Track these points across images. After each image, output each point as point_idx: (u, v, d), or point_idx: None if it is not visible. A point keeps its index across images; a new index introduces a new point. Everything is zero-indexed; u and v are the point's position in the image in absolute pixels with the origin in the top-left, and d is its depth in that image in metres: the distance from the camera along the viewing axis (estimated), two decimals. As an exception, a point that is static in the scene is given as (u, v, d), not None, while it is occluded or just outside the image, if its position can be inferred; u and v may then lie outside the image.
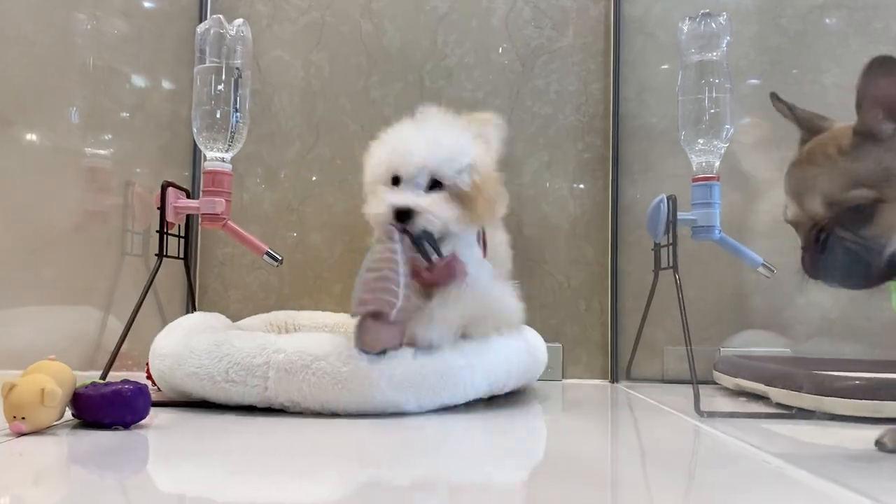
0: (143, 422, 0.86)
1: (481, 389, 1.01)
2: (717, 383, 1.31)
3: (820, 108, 1.43)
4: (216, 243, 1.45)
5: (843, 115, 1.42)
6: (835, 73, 1.46)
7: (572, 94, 1.48)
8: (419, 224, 0.96)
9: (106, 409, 0.84)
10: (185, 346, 0.97)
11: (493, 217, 1.07)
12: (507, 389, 1.07)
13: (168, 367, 0.97)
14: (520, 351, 1.11)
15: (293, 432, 0.86)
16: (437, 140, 1.01)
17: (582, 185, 1.48)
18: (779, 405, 1.09)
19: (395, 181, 1.00)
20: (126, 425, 0.85)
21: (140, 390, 0.86)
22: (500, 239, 1.21)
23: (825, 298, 1.44)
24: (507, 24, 1.49)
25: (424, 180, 0.98)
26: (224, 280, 1.46)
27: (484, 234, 1.14)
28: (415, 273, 0.99)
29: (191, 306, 1.30)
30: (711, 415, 1.01)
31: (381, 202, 0.97)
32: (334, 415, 0.93)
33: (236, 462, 0.72)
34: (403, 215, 0.96)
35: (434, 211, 0.97)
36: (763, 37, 1.47)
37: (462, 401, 0.99)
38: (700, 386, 1.08)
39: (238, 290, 1.46)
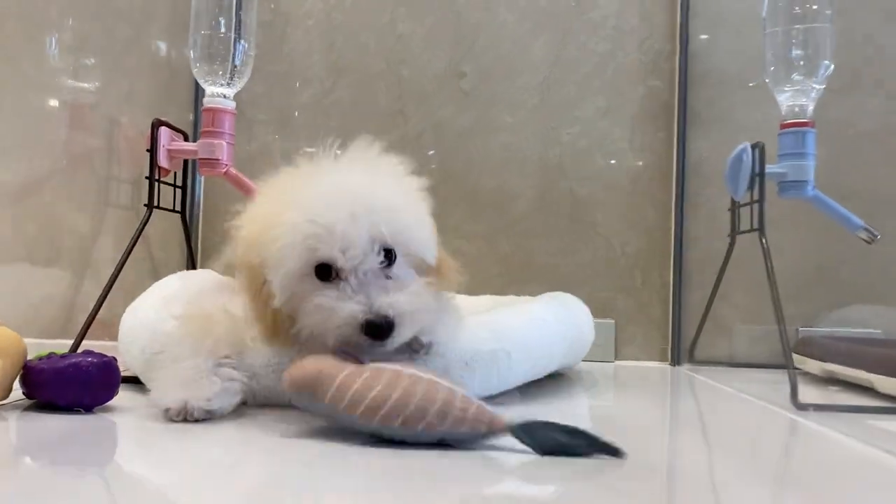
0: (110, 403, 0.70)
1: (519, 376, 0.82)
2: (798, 368, 1.11)
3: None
4: (223, 198, 1.28)
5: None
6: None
7: (634, 28, 1.28)
8: (406, 336, 0.64)
9: (61, 387, 0.67)
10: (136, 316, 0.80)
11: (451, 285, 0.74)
12: (548, 371, 0.89)
13: (124, 343, 0.81)
14: (565, 327, 0.91)
15: (281, 417, 0.68)
16: (385, 195, 0.66)
17: (643, 136, 1.27)
18: (887, 396, 0.90)
19: (325, 272, 0.65)
20: (87, 408, 0.68)
21: (106, 364, 0.69)
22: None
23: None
24: (558, -54, 1.28)
25: (376, 261, 0.65)
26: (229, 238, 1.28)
27: None
28: None
29: (190, 265, 1.13)
30: (812, 408, 0.82)
31: (330, 311, 0.63)
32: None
33: (217, 455, 0.55)
34: (379, 329, 0.62)
35: (420, 308, 0.65)
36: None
37: (496, 391, 0.80)
38: (776, 370, 0.88)
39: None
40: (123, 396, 0.72)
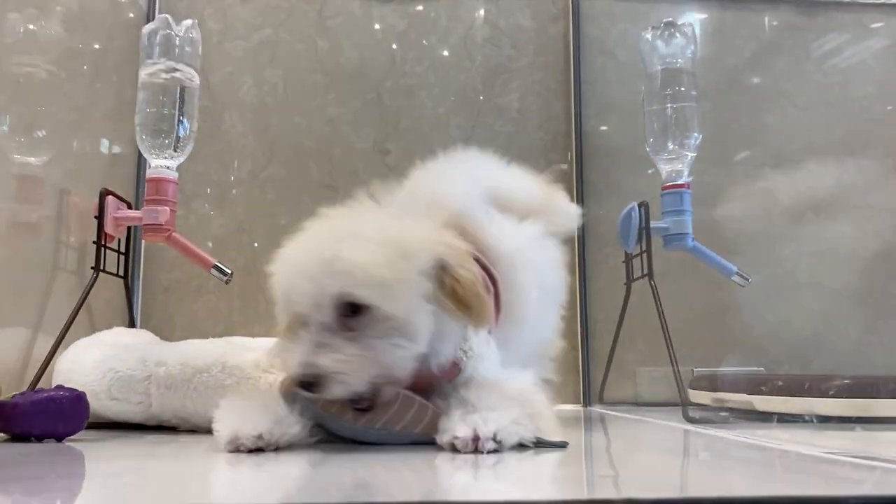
0: (77, 435, 0.76)
1: None
2: (693, 403, 1.25)
3: (782, 128, 1.45)
4: (161, 266, 1.35)
5: (803, 135, 1.43)
6: (792, 94, 1.47)
7: (534, 112, 1.46)
8: (332, 392, 0.66)
9: (37, 418, 0.73)
10: (76, 361, 0.89)
11: (483, 319, 0.71)
12: None
13: (60, 383, 0.87)
14: None
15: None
16: (352, 254, 0.66)
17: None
18: (763, 413, 1.04)
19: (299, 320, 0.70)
20: (59, 438, 0.74)
21: (78, 398, 0.76)
22: (522, 280, 0.84)
23: (796, 316, 1.41)
24: (466, 42, 1.47)
25: (330, 314, 0.67)
26: (168, 307, 1.35)
27: (495, 284, 0.80)
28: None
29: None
30: (699, 417, 0.95)
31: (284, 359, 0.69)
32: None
33: (185, 480, 0.62)
34: (305, 384, 0.65)
35: (348, 370, 0.65)
36: (721, 58, 1.48)
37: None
38: (675, 407, 1.02)
39: (184, 317, 1.35)
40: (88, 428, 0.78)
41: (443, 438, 0.64)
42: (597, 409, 1.32)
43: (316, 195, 1.38)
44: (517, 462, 0.60)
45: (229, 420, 0.66)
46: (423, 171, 0.93)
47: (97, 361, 0.86)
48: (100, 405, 0.84)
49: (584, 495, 0.43)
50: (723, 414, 1.14)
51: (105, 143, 1.30)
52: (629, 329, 1.31)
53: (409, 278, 0.67)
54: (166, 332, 1.33)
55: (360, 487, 0.50)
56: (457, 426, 0.63)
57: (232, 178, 1.40)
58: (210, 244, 1.36)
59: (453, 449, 0.63)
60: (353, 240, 0.67)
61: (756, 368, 1.39)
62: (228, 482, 0.57)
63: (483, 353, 0.75)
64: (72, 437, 0.75)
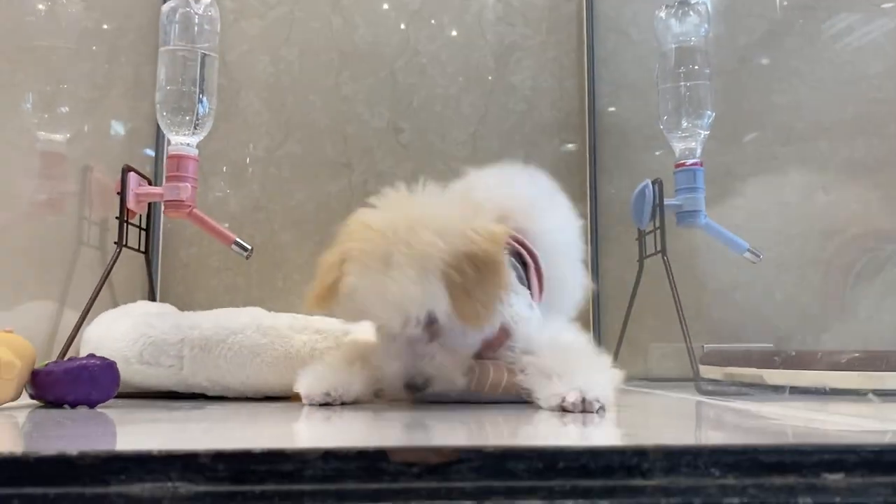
0: (109, 402, 0.78)
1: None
2: (703, 378, 1.27)
3: (792, 106, 1.46)
4: (180, 243, 1.37)
5: (814, 113, 1.45)
6: (803, 72, 1.48)
7: (547, 90, 1.47)
8: (442, 386, 0.79)
9: (70, 385, 0.76)
10: (107, 329, 0.91)
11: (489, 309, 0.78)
12: None
13: (89, 352, 0.89)
14: None
15: (274, 406, 0.78)
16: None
17: (559, 183, 1.45)
18: (775, 387, 1.06)
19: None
20: (91, 404, 0.76)
21: (108, 366, 0.78)
22: (565, 267, 0.97)
23: (805, 294, 1.43)
24: (480, 21, 1.48)
25: (418, 327, 0.77)
26: (188, 282, 1.37)
27: (538, 268, 0.91)
28: None
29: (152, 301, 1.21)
30: (711, 388, 0.98)
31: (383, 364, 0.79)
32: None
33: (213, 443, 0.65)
34: (414, 388, 0.78)
35: (447, 372, 0.78)
36: (732, 36, 1.49)
37: None
38: (686, 382, 1.04)
39: (203, 292, 1.37)
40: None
41: (550, 402, 0.72)
42: (608, 383, 1.34)
43: (331, 173, 1.40)
44: (542, 417, 0.62)
45: (304, 380, 0.77)
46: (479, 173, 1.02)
47: (128, 328, 0.88)
48: (130, 370, 0.86)
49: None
50: (734, 388, 1.17)
51: (119, 125, 1.32)
52: (640, 305, 1.33)
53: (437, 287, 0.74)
54: (185, 308, 1.34)
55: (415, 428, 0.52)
56: (566, 392, 0.71)
57: (248, 156, 1.42)
58: (227, 223, 1.38)
59: (563, 410, 0.71)
60: (429, 263, 0.73)
61: (765, 345, 1.41)
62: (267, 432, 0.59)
63: (529, 315, 0.84)
64: (103, 403, 0.78)
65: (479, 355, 0.82)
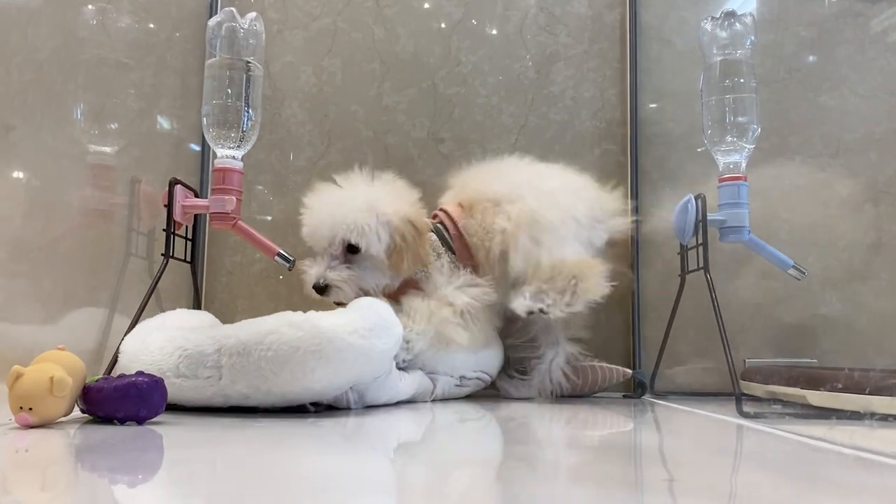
0: (156, 418, 0.80)
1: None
2: (744, 394, 1.26)
3: (841, 116, 1.43)
4: (224, 251, 1.40)
5: (863, 123, 1.41)
6: (853, 81, 1.44)
7: (588, 100, 1.46)
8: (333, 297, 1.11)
9: (119, 402, 0.78)
10: (143, 341, 0.92)
11: (417, 266, 1.15)
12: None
13: (125, 365, 0.92)
14: None
15: (322, 426, 0.79)
16: (342, 206, 1.12)
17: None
18: (818, 408, 1.05)
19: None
20: (140, 421, 0.79)
21: (156, 383, 0.80)
22: (544, 241, 1.16)
23: (850, 309, 1.40)
24: (522, 30, 1.47)
25: (338, 250, 1.12)
26: (231, 290, 1.40)
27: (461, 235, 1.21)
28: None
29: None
30: (753, 414, 0.96)
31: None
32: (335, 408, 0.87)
33: (261, 463, 0.66)
34: (321, 290, 1.12)
35: (343, 285, 1.11)
36: (779, 45, 1.46)
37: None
38: (726, 397, 1.03)
39: (245, 299, 1.40)
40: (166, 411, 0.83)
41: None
42: (647, 398, 1.33)
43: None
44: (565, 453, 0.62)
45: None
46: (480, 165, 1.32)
47: (164, 342, 0.89)
48: (168, 385, 0.88)
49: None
50: (775, 406, 1.15)
51: (166, 123, 1.34)
52: (681, 319, 1.31)
53: (382, 233, 1.11)
54: (229, 314, 1.38)
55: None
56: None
57: (291, 165, 1.44)
58: (269, 232, 1.40)
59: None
60: (352, 203, 1.12)
61: (808, 360, 1.39)
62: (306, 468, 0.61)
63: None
64: (151, 420, 0.80)
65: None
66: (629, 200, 1.43)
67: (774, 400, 1.19)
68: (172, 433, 0.76)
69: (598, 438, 0.80)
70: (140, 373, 0.81)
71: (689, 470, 0.59)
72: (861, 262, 1.41)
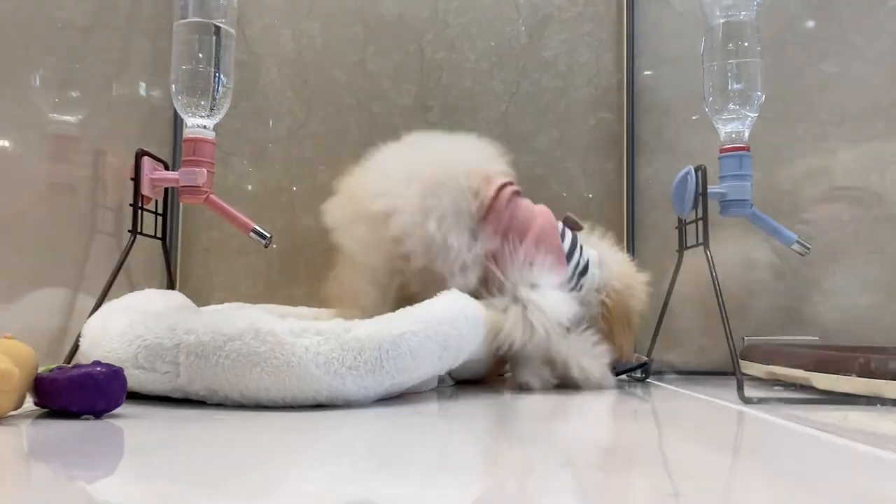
0: (116, 410, 0.74)
1: (432, 360, 0.86)
2: (744, 373, 1.21)
3: (847, 84, 1.36)
4: (199, 226, 1.33)
5: (871, 91, 1.35)
6: (860, 46, 1.37)
7: (583, 65, 1.39)
8: None
9: (74, 394, 0.72)
10: (104, 325, 0.86)
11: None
12: (462, 357, 0.92)
13: (85, 350, 0.86)
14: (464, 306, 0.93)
15: (286, 425, 0.74)
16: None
17: (595, 164, 1.38)
18: (824, 392, 1.00)
19: None
20: (97, 414, 0.73)
21: (115, 373, 0.74)
22: None
23: (854, 284, 1.34)
24: (513, -9, 1.39)
25: None
26: (208, 266, 1.34)
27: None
28: None
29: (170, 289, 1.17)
30: (756, 400, 0.91)
31: None
32: (288, 407, 0.79)
33: (224, 459, 0.60)
34: None
35: None
36: (783, 5, 1.38)
37: (417, 380, 0.86)
38: (725, 376, 0.98)
39: (223, 276, 1.33)
40: (126, 403, 0.77)
41: None
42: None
43: (355, 153, 1.33)
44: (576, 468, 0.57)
45: None
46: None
47: (124, 328, 0.83)
48: (126, 375, 0.82)
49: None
50: (777, 388, 1.10)
51: (142, 85, 1.26)
52: (678, 295, 1.26)
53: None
54: (205, 292, 1.32)
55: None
56: None
57: (269, 135, 1.36)
58: (247, 205, 1.33)
59: None
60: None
61: (810, 338, 1.34)
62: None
63: None
64: (110, 412, 0.74)
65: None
66: (625, 172, 1.36)
67: (776, 381, 1.14)
68: (133, 427, 0.70)
69: (591, 438, 0.75)
70: (97, 362, 0.75)
71: (693, 477, 0.54)
72: (866, 235, 1.36)
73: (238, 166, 1.35)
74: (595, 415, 0.87)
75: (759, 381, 1.17)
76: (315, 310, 1.22)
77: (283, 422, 0.74)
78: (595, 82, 1.38)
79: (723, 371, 1.27)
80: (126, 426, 0.71)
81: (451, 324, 0.87)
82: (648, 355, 1.30)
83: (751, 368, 1.20)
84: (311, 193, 1.34)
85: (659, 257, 1.33)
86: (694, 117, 1.34)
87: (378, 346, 0.80)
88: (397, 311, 0.87)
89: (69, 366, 0.76)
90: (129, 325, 0.84)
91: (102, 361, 0.78)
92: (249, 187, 1.35)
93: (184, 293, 1.29)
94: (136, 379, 0.81)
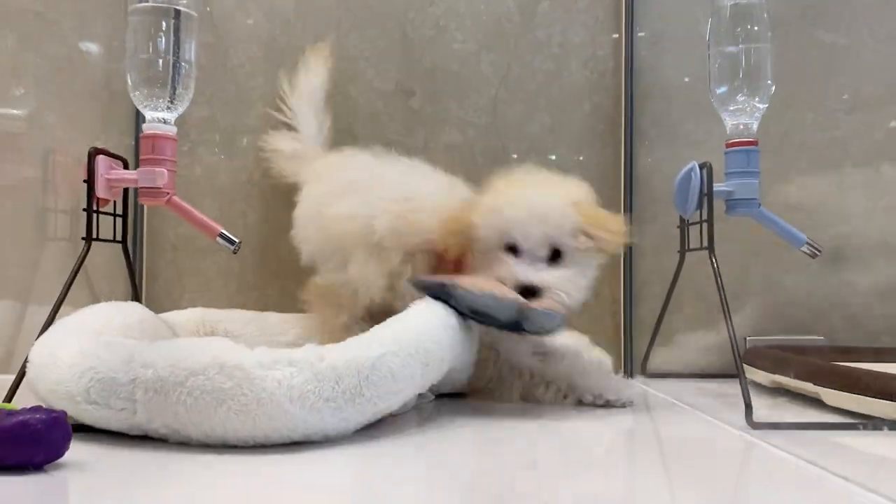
0: (60, 459, 0.67)
1: (415, 379, 0.78)
2: (748, 379, 1.14)
3: (859, 69, 1.27)
4: (167, 222, 1.24)
5: (884, 77, 1.26)
6: (874, 28, 1.28)
7: (578, 46, 1.29)
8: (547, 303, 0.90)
9: (9, 446, 0.63)
10: (54, 351, 0.77)
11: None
12: (444, 369, 0.84)
13: (31, 380, 0.78)
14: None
15: (251, 471, 0.66)
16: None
17: (590, 152, 1.29)
18: (835, 409, 0.93)
19: (513, 250, 0.93)
20: (37, 465, 0.65)
21: (55, 421, 0.65)
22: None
23: (863, 279, 1.27)
24: (503, -34, 1.29)
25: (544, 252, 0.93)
26: (177, 265, 1.25)
27: None
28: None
29: (134, 298, 1.08)
30: (766, 426, 0.84)
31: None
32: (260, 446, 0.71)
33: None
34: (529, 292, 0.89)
35: (562, 287, 0.91)
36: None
37: (400, 403, 0.78)
38: (726, 380, 0.92)
39: (193, 276, 1.25)
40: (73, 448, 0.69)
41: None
42: (639, 381, 1.21)
43: (333, 142, 1.25)
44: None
45: None
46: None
47: (75, 358, 0.75)
48: (77, 409, 0.73)
49: None
50: (782, 399, 1.04)
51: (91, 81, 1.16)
52: (677, 292, 1.18)
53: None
54: (175, 293, 1.24)
55: None
56: None
57: (240, 123, 1.26)
58: (217, 198, 1.24)
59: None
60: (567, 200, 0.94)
61: (816, 337, 1.27)
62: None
63: None
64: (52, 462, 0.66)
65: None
66: (622, 162, 1.28)
67: (781, 389, 1.07)
68: (80, 480, 0.63)
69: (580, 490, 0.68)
70: (36, 407, 0.67)
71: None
72: (876, 228, 1.28)
73: (206, 157, 1.26)
74: (584, 452, 0.80)
75: (763, 389, 1.10)
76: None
77: (252, 465, 0.66)
78: (591, 65, 1.29)
79: (724, 374, 1.20)
80: (71, 477, 0.63)
81: (431, 338, 0.80)
82: (646, 356, 1.24)
83: (754, 375, 1.13)
84: (283, 187, 1.25)
85: (659, 254, 1.25)
86: (701, 116, 1.26)
87: (357, 372, 0.72)
88: (369, 332, 0.80)
89: (5, 408, 0.68)
90: (81, 355, 0.75)
91: (51, 397, 0.70)
92: (218, 180, 1.26)
93: (152, 295, 1.21)
94: (89, 415, 0.74)
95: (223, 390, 0.69)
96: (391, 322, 0.82)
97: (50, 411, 0.66)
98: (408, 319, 0.83)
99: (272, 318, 1.16)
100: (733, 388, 0.92)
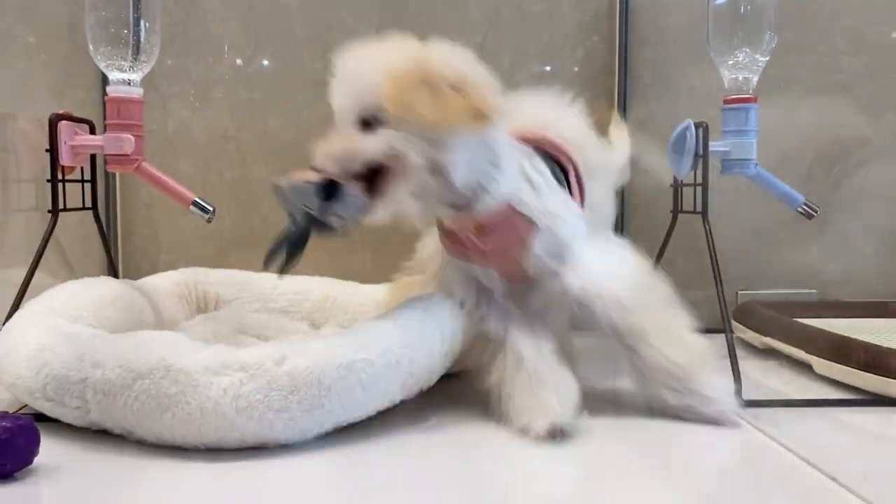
0: (31, 466, 0.65)
1: (392, 391, 0.73)
2: (739, 337, 1.13)
3: (865, 9, 1.20)
4: (139, 181, 1.19)
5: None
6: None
7: (570, -14, 1.21)
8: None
9: (-25, 456, 0.62)
10: (14, 344, 0.74)
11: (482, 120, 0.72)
12: (434, 379, 0.77)
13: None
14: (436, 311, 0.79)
15: (220, 475, 0.64)
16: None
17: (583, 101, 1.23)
18: (824, 378, 0.92)
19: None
20: (8, 474, 0.63)
21: (22, 428, 0.63)
22: (600, 193, 0.92)
23: (856, 232, 1.25)
24: None
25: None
26: (153, 225, 1.21)
27: (578, 175, 0.85)
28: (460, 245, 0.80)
29: (109, 266, 1.05)
30: (757, 405, 0.83)
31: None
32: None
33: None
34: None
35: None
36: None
37: (365, 414, 0.72)
38: (717, 334, 0.90)
39: (169, 235, 1.21)
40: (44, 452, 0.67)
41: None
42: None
43: (311, 94, 1.19)
44: None
45: None
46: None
47: (33, 352, 0.72)
48: (37, 405, 0.72)
49: None
50: (772, 361, 1.02)
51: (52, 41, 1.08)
52: (669, 248, 1.15)
53: None
54: (151, 253, 1.21)
55: None
56: None
57: (212, 74, 1.20)
58: (191, 154, 1.19)
59: None
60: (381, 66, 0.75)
61: (808, 291, 1.26)
62: None
63: (564, 215, 0.79)
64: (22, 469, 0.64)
65: (491, 254, 0.78)
66: (615, 110, 1.22)
67: (771, 352, 1.06)
68: (51, 487, 0.62)
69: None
70: (3, 414, 0.64)
71: None
72: (874, 180, 1.24)
73: (178, 111, 1.20)
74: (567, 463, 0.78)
75: (753, 350, 1.09)
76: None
77: (223, 469, 0.64)
78: (584, 6, 1.22)
79: (713, 329, 1.19)
80: (42, 484, 0.62)
81: (421, 345, 0.73)
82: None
83: (744, 334, 1.12)
84: (262, 141, 1.20)
85: (651, 207, 1.22)
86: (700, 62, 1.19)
87: (317, 382, 0.66)
88: (354, 325, 0.76)
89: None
90: (39, 348, 0.72)
91: (13, 390, 0.68)
92: (192, 136, 1.20)
93: (128, 255, 1.17)
94: (48, 411, 0.72)
95: (168, 396, 0.66)
96: (383, 316, 0.77)
97: (17, 418, 0.64)
98: (402, 318, 0.76)
99: (266, 283, 1.10)
100: (723, 345, 0.90)
